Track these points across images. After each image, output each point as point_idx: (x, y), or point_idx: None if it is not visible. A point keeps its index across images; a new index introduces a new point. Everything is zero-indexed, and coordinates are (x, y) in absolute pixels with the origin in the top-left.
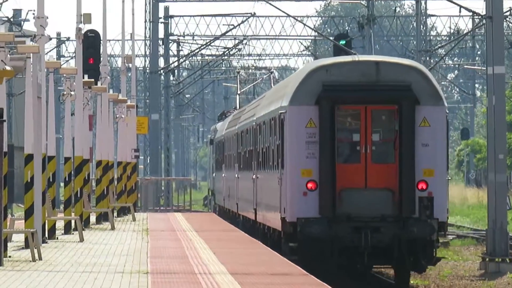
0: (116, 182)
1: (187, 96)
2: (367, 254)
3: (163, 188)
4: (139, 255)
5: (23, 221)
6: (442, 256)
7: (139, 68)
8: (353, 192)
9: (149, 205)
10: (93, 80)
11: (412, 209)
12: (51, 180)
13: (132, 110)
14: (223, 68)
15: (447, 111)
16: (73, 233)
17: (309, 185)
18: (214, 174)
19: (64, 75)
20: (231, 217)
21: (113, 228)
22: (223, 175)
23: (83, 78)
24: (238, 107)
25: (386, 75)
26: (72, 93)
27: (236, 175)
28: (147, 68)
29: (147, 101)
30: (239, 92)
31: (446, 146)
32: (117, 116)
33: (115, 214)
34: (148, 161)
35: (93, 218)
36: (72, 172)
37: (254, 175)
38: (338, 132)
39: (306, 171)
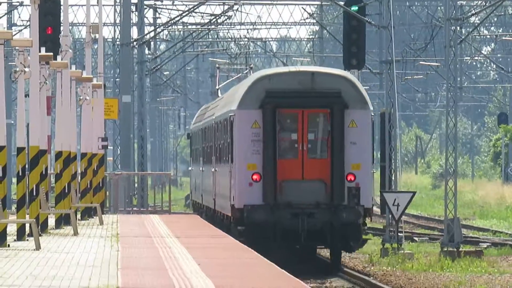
0: (79, 178)
1: (165, 73)
2: (304, 236)
3: (136, 185)
4: (107, 266)
5: None
6: (368, 238)
7: (108, 40)
8: (292, 183)
9: (120, 205)
10: (51, 54)
11: (342, 198)
12: (0, 175)
13: (99, 91)
14: (209, 39)
15: (373, 114)
16: (27, 240)
17: (254, 177)
18: (190, 168)
19: (17, 47)
20: (198, 209)
21: (76, 233)
22: (191, 168)
23: (40, 51)
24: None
25: (320, 83)
26: (26, 69)
27: (201, 169)
28: (117, 40)
29: (117, 79)
30: (218, 86)
31: (372, 143)
32: (81, 98)
33: (79, 216)
34: (119, 153)
35: (52, 221)
36: (27, 166)
37: (213, 168)
38: (279, 132)
39: (252, 165)
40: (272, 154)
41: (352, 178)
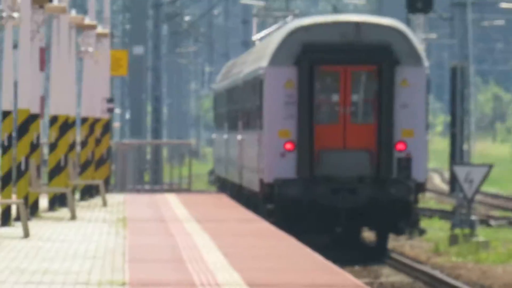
0: (79, 148)
1: (186, 19)
2: (345, 216)
3: (149, 157)
4: (111, 257)
5: None
6: (420, 218)
7: None
8: (331, 153)
9: (128, 182)
10: None
11: (390, 170)
12: None
13: (105, 41)
14: None
15: (428, 71)
16: (13, 225)
17: (287, 145)
18: (213, 136)
19: None
20: (223, 185)
21: (73, 217)
22: (214, 136)
23: None
24: None
25: (366, 35)
26: (15, 15)
27: (225, 137)
28: None
29: (127, 27)
30: (255, 37)
31: (426, 106)
32: (83, 49)
33: (77, 196)
34: (128, 117)
35: (44, 202)
36: (14, 134)
37: (239, 136)
38: (317, 92)
39: (284, 131)
40: (308, 118)
41: (403, 147)
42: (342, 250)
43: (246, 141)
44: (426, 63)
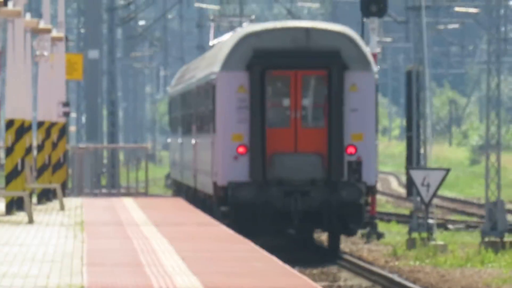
0: (36, 152)
1: (141, 23)
2: (298, 218)
3: (105, 161)
4: (70, 261)
5: None
6: (371, 221)
7: None
8: (283, 156)
9: (85, 186)
10: None
11: (341, 173)
12: None
13: (60, 45)
14: None
15: (376, 76)
16: None
17: (240, 149)
18: (168, 140)
19: None
20: (178, 188)
21: (31, 220)
22: (169, 140)
23: None
24: None
25: (316, 41)
26: None
27: (179, 141)
28: None
29: (82, 31)
30: (212, 43)
31: (375, 111)
32: (38, 53)
33: (34, 199)
34: (84, 121)
35: (1, 206)
36: None
37: (193, 140)
38: (268, 97)
39: (237, 135)
40: (260, 123)
41: (353, 151)
42: (295, 252)
43: (200, 145)
44: (374, 68)
